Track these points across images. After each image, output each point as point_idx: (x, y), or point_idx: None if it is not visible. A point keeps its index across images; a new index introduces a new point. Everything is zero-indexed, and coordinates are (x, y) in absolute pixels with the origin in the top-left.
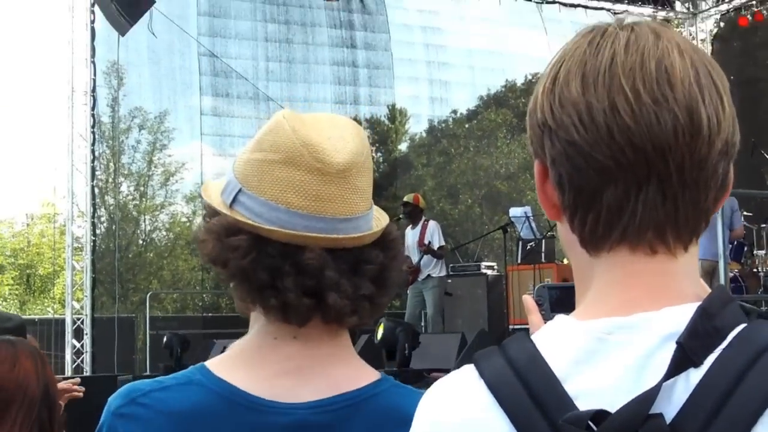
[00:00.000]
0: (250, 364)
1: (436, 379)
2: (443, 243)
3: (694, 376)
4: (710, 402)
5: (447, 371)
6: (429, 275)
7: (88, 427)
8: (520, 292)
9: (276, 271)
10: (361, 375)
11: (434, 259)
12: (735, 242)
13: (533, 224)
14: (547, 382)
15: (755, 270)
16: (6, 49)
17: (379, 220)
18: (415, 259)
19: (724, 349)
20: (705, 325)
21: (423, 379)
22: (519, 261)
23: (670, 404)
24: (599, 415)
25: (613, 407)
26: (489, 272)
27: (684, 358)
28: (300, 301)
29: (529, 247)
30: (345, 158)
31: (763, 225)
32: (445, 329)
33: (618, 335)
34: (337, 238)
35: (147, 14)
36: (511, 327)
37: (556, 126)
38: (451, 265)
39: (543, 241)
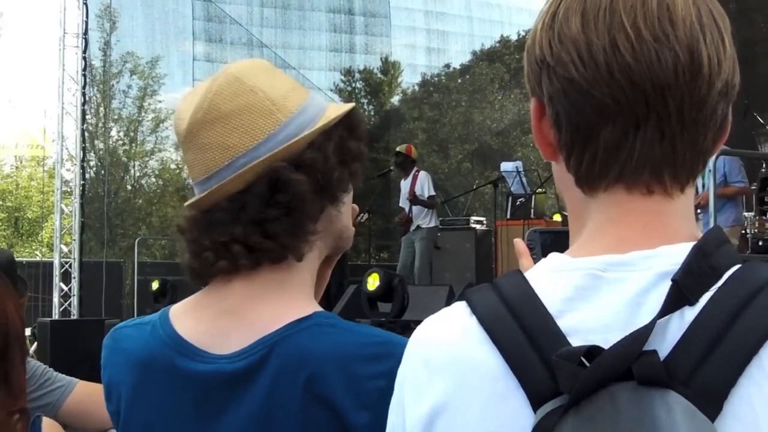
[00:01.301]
0: (196, 308)
1: None
2: (433, 193)
3: (688, 315)
4: (704, 340)
5: None
6: (419, 226)
7: (75, 369)
8: (508, 247)
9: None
10: (284, 314)
11: (425, 210)
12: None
13: (524, 179)
14: (541, 318)
15: (744, 232)
16: None
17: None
18: (405, 208)
19: (719, 288)
20: (700, 264)
21: (410, 330)
22: (508, 216)
23: (664, 342)
24: (592, 351)
25: (606, 344)
26: (478, 227)
27: (679, 296)
28: (184, 264)
29: (518, 202)
30: (185, 123)
31: (753, 187)
32: (433, 282)
33: (613, 272)
34: (192, 202)
35: None
36: None
37: (554, 63)
38: (441, 218)
39: (533, 196)
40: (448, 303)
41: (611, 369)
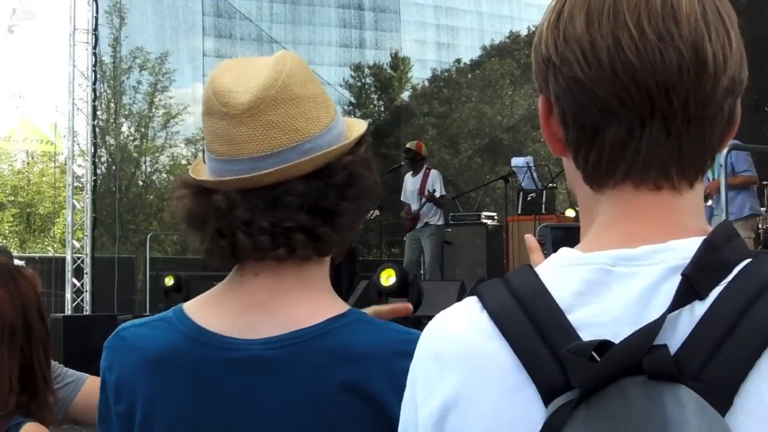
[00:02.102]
0: (218, 302)
1: None
2: (444, 192)
3: (698, 309)
4: (714, 334)
5: None
6: (427, 223)
7: (87, 365)
8: (520, 242)
9: (203, 219)
10: (321, 310)
11: (434, 208)
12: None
13: (535, 175)
14: (551, 312)
15: (757, 227)
16: None
17: (324, 152)
18: (414, 206)
19: (729, 282)
20: (710, 258)
21: (422, 326)
22: (519, 211)
23: (675, 336)
24: (603, 346)
25: (617, 338)
26: (489, 222)
27: (689, 290)
28: (216, 244)
29: (529, 197)
30: (250, 96)
31: (765, 182)
32: (444, 277)
33: (623, 267)
34: (246, 178)
35: None
36: None
37: (559, 62)
38: (452, 214)
39: (544, 192)
40: (460, 298)
41: (622, 363)
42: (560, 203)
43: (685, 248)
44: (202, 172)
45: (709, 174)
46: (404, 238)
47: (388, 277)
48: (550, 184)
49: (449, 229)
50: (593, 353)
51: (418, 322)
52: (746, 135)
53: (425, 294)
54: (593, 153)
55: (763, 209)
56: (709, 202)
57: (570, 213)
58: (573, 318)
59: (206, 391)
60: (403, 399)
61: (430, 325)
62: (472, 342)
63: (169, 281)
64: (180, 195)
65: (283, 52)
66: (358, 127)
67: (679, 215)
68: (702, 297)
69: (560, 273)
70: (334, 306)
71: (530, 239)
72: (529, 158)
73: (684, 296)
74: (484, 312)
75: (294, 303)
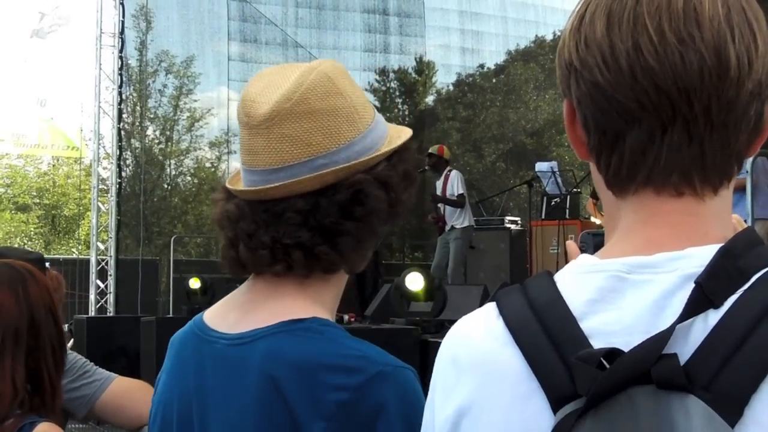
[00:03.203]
0: (226, 301)
1: None
2: (462, 191)
3: (712, 318)
4: (726, 344)
5: None
6: (453, 226)
7: (111, 366)
8: (543, 247)
9: (222, 226)
10: (283, 313)
11: (457, 210)
12: None
13: (559, 180)
14: (563, 319)
15: None
16: None
17: (338, 168)
18: (440, 209)
19: (745, 290)
20: (727, 266)
21: (444, 329)
22: (543, 216)
23: (687, 345)
24: (612, 354)
25: (628, 347)
26: (512, 227)
27: (702, 298)
28: (226, 252)
29: (553, 202)
30: (267, 108)
31: None
32: (467, 282)
33: (638, 274)
34: (256, 190)
35: None
36: None
37: (581, 66)
38: (475, 218)
39: (568, 196)
40: (482, 303)
41: (629, 372)
42: (584, 209)
43: (703, 256)
44: (238, 177)
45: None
46: (437, 242)
47: (413, 281)
48: (575, 189)
49: (473, 233)
50: (604, 361)
51: (441, 326)
52: None
53: (449, 298)
54: (614, 158)
55: None
56: None
57: (594, 219)
58: (585, 326)
59: (184, 376)
60: (351, 418)
61: (451, 331)
62: (487, 349)
63: (194, 283)
64: (215, 198)
65: (317, 62)
66: (399, 138)
67: (701, 222)
68: (717, 306)
69: (577, 280)
70: (298, 312)
71: (571, 245)
72: (554, 163)
73: (696, 305)
74: (500, 319)
75: (272, 304)
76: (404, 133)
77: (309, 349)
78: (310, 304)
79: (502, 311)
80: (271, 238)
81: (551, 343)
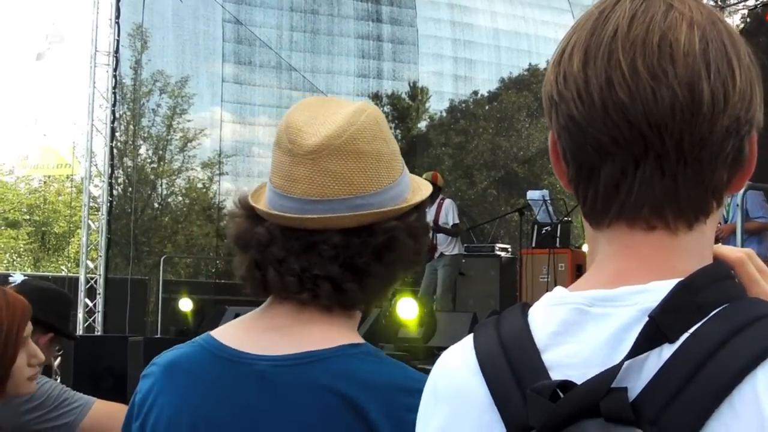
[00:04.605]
0: (243, 325)
1: None
2: (457, 221)
3: (666, 352)
4: (676, 379)
5: None
6: (442, 253)
7: (98, 385)
8: (533, 275)
9: (247, 245)
10: (336, 337)
11: (449, 237)
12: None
13: (550, 208)
14: (526, 352)
15: None
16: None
17: (375, 210)
18: (431, 236)
19: (700, 325)
20: (684, 300)
21: (434, 356)
22: (533, 244)
23: (639, 379)
24: (565, 386)
25: (584, 379)
26: (503, 254)
27: (656, 332)
28: (251, 273)
29: (544, 231)
30: (316, 141)
31: None
32: (457, 309)
33: (599, 307)
34: (291, 217)
35: None
36: None
37: (559, 100)
38: (466, 245)
39: (559, 225)
40: (471, 330)
41: (579, 405)
42: (575, 237)
43: (663, 290)
44: (261, 198)
45: (724, 213)
46: (425, 268)
47: (404, 308)
48: (566, 218)
49: (463, 260)
50: (560, 393)
51: (430, 353)
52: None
53: (438, 325)
54: (590, 191)
55: None
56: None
57: (585, 248)
58: (547, 358)
59: (207, 396)
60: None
61: (437, 361)
62: (460, 379)
63: (185, 305)
64: (234, 214)
65: (365, 104)
66: (421, 192)
67: (671, 256)
68: (672, 340)
69: (545, 312)
70: (349, 336)
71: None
72: (545, 192)
73: (649, 339)
74: (473, 350)
75: (311, 328)
76: (424, 186)
77: (379, 371)
78: (346, 328)
79: (475, 343)
80: (301, 267)
81: (513, 375)
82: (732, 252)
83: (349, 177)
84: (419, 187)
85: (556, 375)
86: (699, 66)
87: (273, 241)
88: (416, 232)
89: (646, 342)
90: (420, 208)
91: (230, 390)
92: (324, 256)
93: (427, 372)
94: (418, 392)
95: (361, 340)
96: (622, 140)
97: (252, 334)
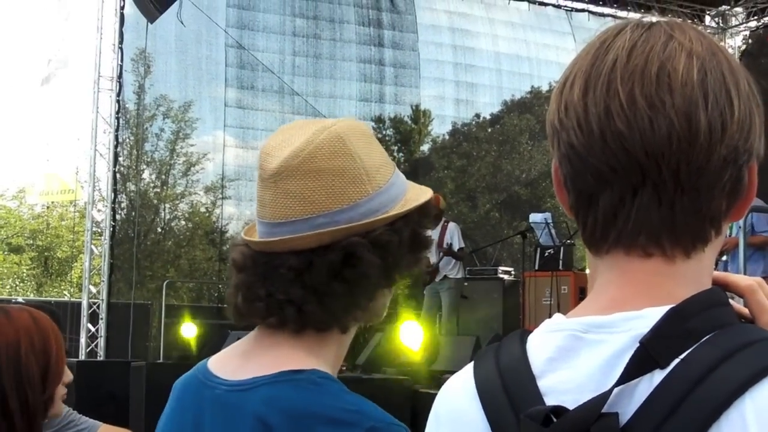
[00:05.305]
0: (231, 350)
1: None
2: (463, 245)
3: (657, 378)
4: (665, 405)
5: None
6: (446, 276)
7: (100, 410)
8: (536, 298)
9: (230, 272)
10: (284, 362)
11: (452, 261)
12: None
13: (553, 231)
14: (522, 378)
15: None
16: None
17: (337, 228)
18: (433, 259)
19: (690, 351)
20: (675, 327)
21: (437, 380)
22: (536, 267)
23: (630, 404)
24: (558, 411)
25: (577, 404)
26: (506, 277)
27: (646, 358)
28: (230, 299)
29: (547, 253)
30: (276, 163)
31: None
32: (459, 332)
33: (594, 334)
34: (258, 241)
35: (176, 3)
36: None
37: (560, 128)
38: (469, 268)
39: (561, 248)
40: (474, 353)
41: (570, 430)
42: (578, 260)
43: (656, 316)
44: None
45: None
46: (424, 291)
47: (408, 332)
48: (568, 241)
49: (466, 284)
50: (553, 418)
51: (433, 377)
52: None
53: (441, 349)
54: (590, 218)
55: None
56: (724, 257)
57: (588, 270)
58: (543, 384)
59: (184, 419)
60: None
61: (441, 387)
62: (459, 404)
63: (188, 331)
64: (234, 243)
65: (334, 121)
66: (413, 202)
67: (667, 283)
68: (663, 366)
69: (543, 338)
70: (302, 362)
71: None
72: (548, 214)
73: (640, 365)
74: (473, 378)
75: (269, 353)
76: (423, 196)
77: (306, 400)
78: (309, 356)
79: (475, 370)
80: (266, 291)
81: (509, 401)
82: (742, 280)
83: (309, 196)
84: (416, 198)
85: (550, 400)
86: (696, 96)
87: (245, 266)
88: (386, 246)
89: (636, 368)
90: (401, 220)
91: (198, 412)
92: (285, 279)
93: (433, 396)
94: (344, 424)
95: (311, 366)
96: (620, 169)
97: (228, 358)
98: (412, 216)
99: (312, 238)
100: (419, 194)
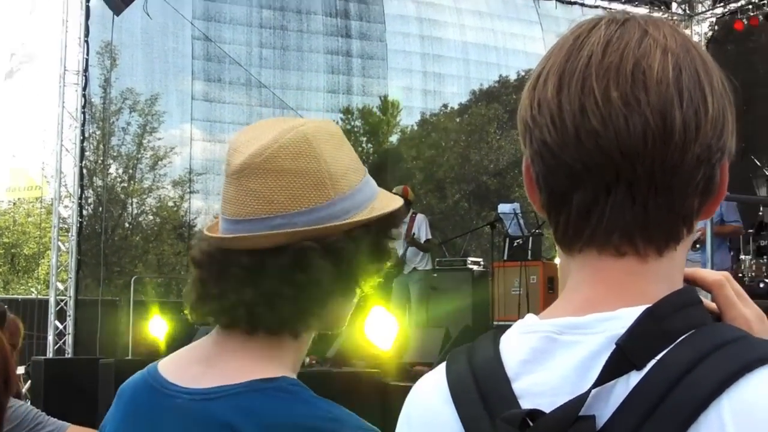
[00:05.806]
0: (185, 353)
1: (419, 372)
2: (430, 236)
3: (634, 379)
4: (641, 407)
5: (430, 365)
6: (414, 268)
7: (69, 408)
8: (505, 288)
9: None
10: (252, 370)
11: (420, 253)
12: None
13: (521, 221)
14: (496, 381)
15: (740, 275)
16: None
17: (295, 230)
18: (400, 251)
19: (666, 352)
20: (650, 328)
21: (407, 372)
22: (505, 257)
23: (607, 406)
24: (534, 415)
25: (553, 407)
26: (475, 268)
27: (622, 360)
28: (186, 296)
29: (516, 243)
30: (241, 159)
31: (750, 230)
32: (429, 323)
33: (568, 335)
34: (215, 237)
35: None
36: (495, 323)
37: (533, 125)
38: (438, 259)
39: (530, 238)
40: (444, 345)
41: None
42: (546, 250)
43: (631, 317)
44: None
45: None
46: (393, 284)
47: (377, 324)
48: (537, 231)
49: (435, 275)
50: (529, 422)
51: (403, 370)
52: (732, 184)
53: (411, 341)
54: (562, 217)
55: (747, 257)
56: (698, 246)
57: (558, 260)
58: (517, 386)
59: (137, 426)
60: None
61: (411, 389)
62: (432, 406)
63: (157, 326)
64: (196, 238)
65: (304, 120)
66: (377, 211)
67: (640, 282)
68: (639, 367)
69: (517, 340)
70: (267, 369)
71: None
72: (516, 205)
73: (616, 367)
74: (445, 379)
75: (232, 359)
76: (390, 205)
77: (280, 410)
78: (272, 362)
79: (447, 372)
80: (219, 290)
81: (483, 404)
82: (710, 275)
83: (269, 195)
84: (382, 207)
85: (525, 403)
86: (672, 94)
87: (202, 263)
88: (340, 253)
89: (612, 370)
90: (360, 229)
91: (154, 421)
92: (237, 278)
93: (403, 389)
94: (318, 431)
95: (278, 374)
96: (594, 167)
97: (185, 364)
98: (375, 225)
99: (266, 238)
100: (388, 203)
